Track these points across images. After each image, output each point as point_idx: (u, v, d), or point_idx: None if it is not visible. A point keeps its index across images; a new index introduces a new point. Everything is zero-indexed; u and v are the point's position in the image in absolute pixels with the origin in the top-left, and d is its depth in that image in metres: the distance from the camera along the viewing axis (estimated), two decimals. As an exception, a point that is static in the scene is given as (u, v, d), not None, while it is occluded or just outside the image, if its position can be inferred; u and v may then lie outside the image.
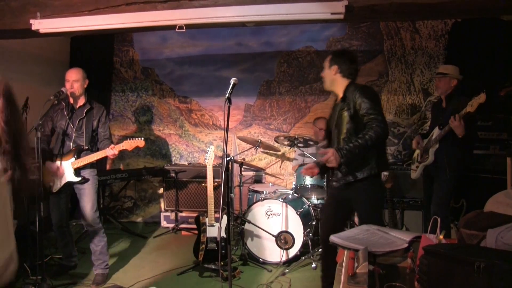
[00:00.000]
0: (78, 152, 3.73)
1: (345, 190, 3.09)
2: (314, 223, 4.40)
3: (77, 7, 3.75)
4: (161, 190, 5.92)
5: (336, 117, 3.20)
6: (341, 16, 3.33)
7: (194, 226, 4.40)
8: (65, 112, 3.79)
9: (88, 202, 3.78)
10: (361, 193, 3.04)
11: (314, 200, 4.61)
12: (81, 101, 3.84)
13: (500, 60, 4.91)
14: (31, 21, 3.76)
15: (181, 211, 5.60)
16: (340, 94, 3.17)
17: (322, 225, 3.68)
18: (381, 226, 2.42)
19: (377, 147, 2.97)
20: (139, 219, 6.17)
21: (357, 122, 3.01)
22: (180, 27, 3.61)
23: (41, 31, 3.80)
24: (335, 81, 3.18)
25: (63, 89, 3.68)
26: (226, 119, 2.83)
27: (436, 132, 3.94)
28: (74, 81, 3.73)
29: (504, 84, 4.03)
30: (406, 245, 2.04)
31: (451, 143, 3.81)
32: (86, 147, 3.78)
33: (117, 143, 3.77)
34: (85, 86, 3.84)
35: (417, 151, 4.25)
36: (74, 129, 3.78)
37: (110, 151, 3.64)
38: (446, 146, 3.86)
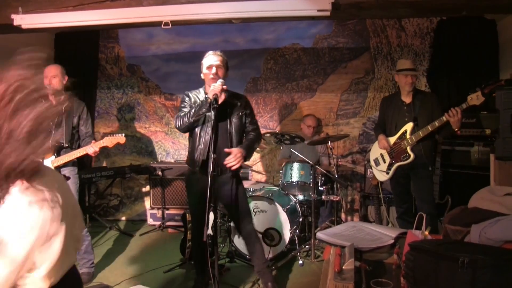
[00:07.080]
0: (58, 150, 3.63)
1: None
2: (300, 219, 4.41)
3: (61, 2, 3.69)
4: (147, 188, 5.88)
5: None
6: (328, 13, 3.34)
7: (181, 223, 4.38)
8: None
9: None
10: None
11: (301, 197, 4.62)
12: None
13: (484, 58, 4.99)
14: (13, 16, 3.68)
15: (167, 209, 5.56)
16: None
17: None
18: None
19: None
20: (125, 217, 6.11)
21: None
22: (166, 24, 3.58)
23: (23, 26, 3.72)
24: None
25: (46, 86, 3.61)
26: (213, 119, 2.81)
27: (410, 128, 3.90)
28: (52, 76, 3.63)
29: (488, 82, 4.08)
30: (392, 241, 2.07)
31: (428, 138, 3.84)
32: (66, 145, 3.68)
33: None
34: (64, 82, 3.72)
35: (380, 152, 4.13)
36: (53, 126, 3.70)
37: (91, 149, 3.57)
38: (423, 142, 3.87)
